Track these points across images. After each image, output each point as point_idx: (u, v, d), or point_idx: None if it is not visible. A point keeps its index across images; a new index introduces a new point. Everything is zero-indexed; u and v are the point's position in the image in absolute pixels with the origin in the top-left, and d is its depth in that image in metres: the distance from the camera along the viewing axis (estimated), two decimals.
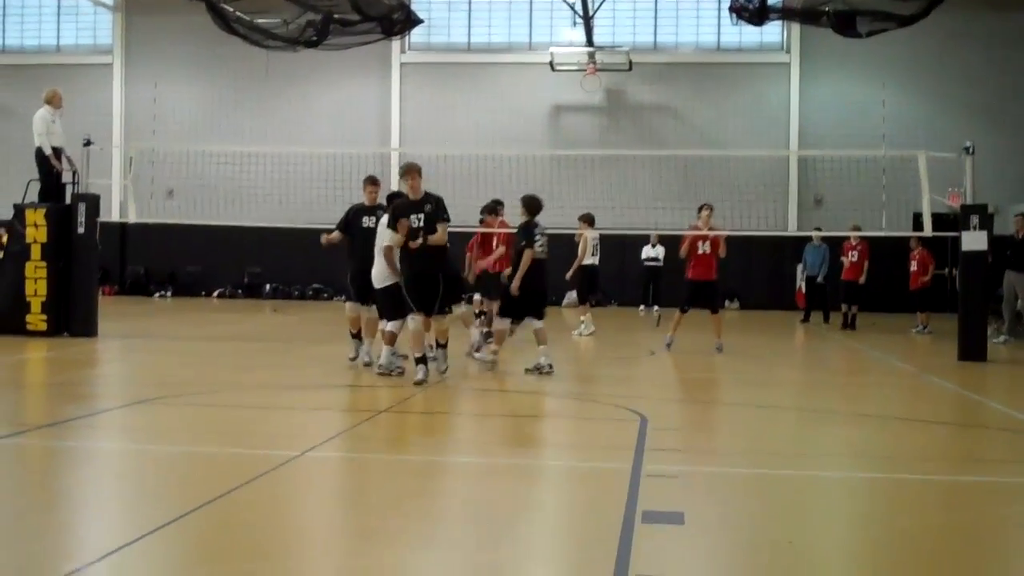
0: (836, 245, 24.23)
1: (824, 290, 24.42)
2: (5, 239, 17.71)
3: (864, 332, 22.19)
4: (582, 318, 19.97)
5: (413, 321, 11.93)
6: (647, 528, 5.96)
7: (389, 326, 12.38)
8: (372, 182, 13.99)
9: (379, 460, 8.28)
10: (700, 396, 12.74)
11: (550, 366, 12.93)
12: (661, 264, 26.66)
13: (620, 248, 28.49)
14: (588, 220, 20.11)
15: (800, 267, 25.68)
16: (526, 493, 7.16)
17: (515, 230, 13.98)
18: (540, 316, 13.46)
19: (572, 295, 30.10)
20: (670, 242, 26.67)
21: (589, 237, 19.90)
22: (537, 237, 13.29)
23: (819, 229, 24.85)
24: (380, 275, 12.41)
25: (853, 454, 8.81)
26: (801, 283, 26.01)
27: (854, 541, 6.12)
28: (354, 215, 13.65)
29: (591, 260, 20.03)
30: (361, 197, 13.91)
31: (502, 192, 24.43)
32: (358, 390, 11.16)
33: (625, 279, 29.35)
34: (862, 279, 22.94)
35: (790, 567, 5.52)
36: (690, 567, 5.43)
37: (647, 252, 27.17)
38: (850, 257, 23.17)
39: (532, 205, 13.60)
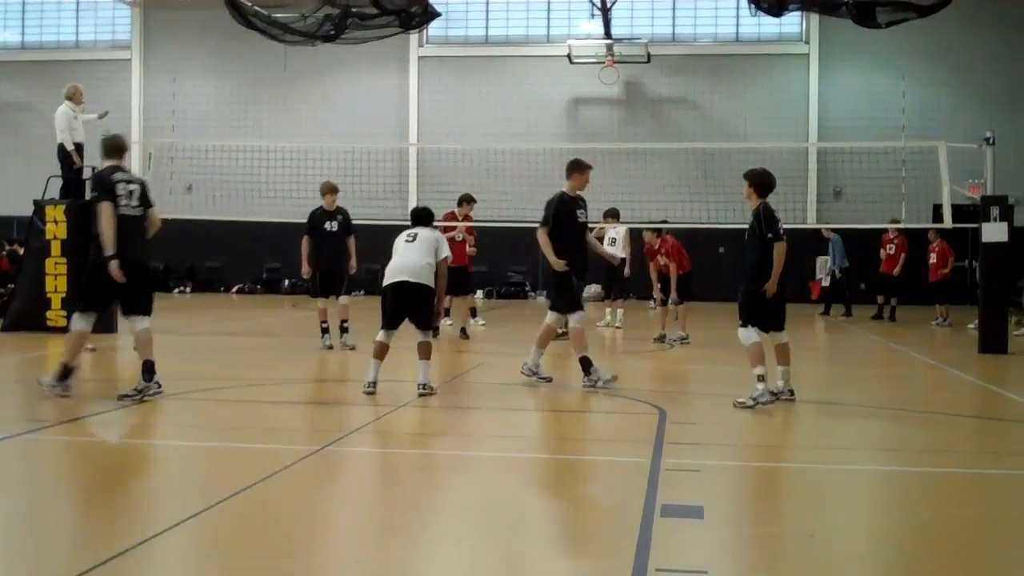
0: (851, 237, 24.35)
1: (839, 283, 24.61)
2: (22, 251, 17.85)
3: (884, 325, 22.13)
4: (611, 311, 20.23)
5: (77, 321, 10.30)
6: (667, 522, 5.95)
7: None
8: (332, 190, 15.41)
9: (400, 455, 8.30)
10: (718, 389, 12.68)
11: (791, 391, 10.53)
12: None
13: (638, 240, 28.42)
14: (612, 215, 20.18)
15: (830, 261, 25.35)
16: (546, 487, 7.17)
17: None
18: (781, 327, 10.67)
19: (591, 288, 30.11)
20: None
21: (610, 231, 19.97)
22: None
23: (828, 222, 24.75)
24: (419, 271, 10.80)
25: (873, 447, 8.79)
26: (824, 277, 25.94)
27: (874, 534, 6.10)
28: (317, 219, 15.23)
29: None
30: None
31: (520, 185, 24.55)
32: (378, 384, 11.16)
33: (644, 272, 29.30)
34: (896, 271, 22.94)
35: (811, 560, 5.51)
36: (710, 560, 5.41)
37: None
38: (887, 250, 23.19)
39: (764, 182, 10.61)
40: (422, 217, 11.42)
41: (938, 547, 5.81)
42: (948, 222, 17.34)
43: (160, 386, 10.05)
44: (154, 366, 10.04)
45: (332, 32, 21.40)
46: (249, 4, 21.04)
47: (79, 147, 17.31)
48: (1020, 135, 28.58)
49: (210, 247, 32.03)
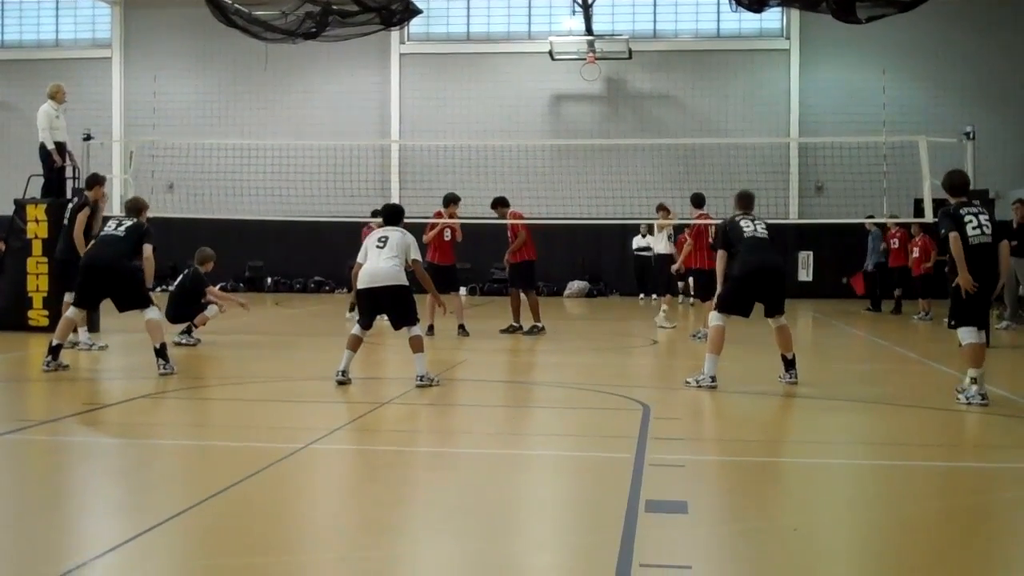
0: (830, 231, 24.56)
1: (873, 278, 24.69)
2: (3, 247, 17.76)
3: (865, 319, 22.21)
4: (665, 307, 19.46)
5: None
6: (651, 517, 5.95)
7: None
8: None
9: (383, 452, 8.28)
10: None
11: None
12: (652, 253, 26.87)
13: (621, 237, 28.54)
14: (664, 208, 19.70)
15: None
16: (530, 483, 7.16)
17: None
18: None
19: (575, 284, 30.18)
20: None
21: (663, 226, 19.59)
22: (968, 218, 10.37)
23: (872, 216, 24.09)
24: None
25: (856, 441, 8.81)
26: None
27: (858, 527, 6.12)
28: None
29: (666, 249, 19.66)
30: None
31: (502, 182, 24.53)
32: (361, 383, 11.15)
33: (626, 268, 29.49)
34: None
35: (795, 554, 5.52)
36: (694, 556, 5.42)
37: (637, 242, 27.28)
38: (891, 244, 23.39)
39: (957, 184, 10.85)
40: (393, 215, 11.62)
41: (922, 540, 5.83)
42: (929, 216, 17.40)
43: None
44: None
45: (313, 29, 21.37)
46: (230, 2, 20.98)
47: (60, 146, 17.21)
48: (1000, 130, 28.73)
49: (192, 245, 31.81)
